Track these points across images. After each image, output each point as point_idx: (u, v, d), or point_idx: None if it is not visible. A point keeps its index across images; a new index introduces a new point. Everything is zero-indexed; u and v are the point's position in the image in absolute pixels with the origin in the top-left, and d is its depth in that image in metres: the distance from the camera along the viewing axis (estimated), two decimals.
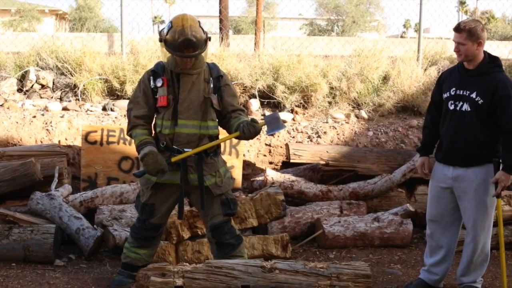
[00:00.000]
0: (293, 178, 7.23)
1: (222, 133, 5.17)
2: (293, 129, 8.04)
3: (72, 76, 8.72)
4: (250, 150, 7.84)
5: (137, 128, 5.03)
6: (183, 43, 4.78)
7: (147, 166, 4.89)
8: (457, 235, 5.38)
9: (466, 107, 5.03)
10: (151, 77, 5.02)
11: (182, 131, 4.98)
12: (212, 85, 5.05)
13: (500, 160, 5.00)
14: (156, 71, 5.02)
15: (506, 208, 6.72)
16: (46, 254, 5.89)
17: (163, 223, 5.25)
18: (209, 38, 4.99)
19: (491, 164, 5.01)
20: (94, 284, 5.47)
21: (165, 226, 5.49)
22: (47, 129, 7.79)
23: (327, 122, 8.20)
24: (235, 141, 7.25)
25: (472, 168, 5.05)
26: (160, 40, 4.96)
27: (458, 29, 4.99)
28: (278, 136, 7.91)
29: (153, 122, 5.12)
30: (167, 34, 4.88)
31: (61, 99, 8.69)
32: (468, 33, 4.94)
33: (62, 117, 7.99)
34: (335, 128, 8.06)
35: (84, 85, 8.55)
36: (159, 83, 4.97)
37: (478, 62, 5.04)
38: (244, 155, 7.58)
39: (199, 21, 4.93)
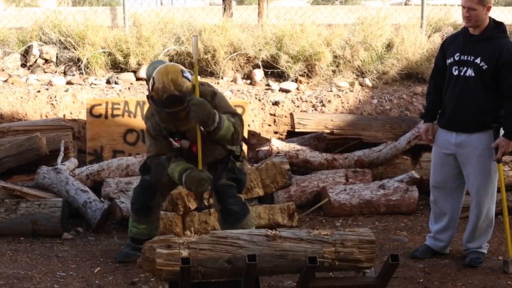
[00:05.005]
0: (298, 147, 7.24)
1: None
2: (297, 98, 8.03)
3: (75, 50, 8.70)
4: (255, 120, 7.84)
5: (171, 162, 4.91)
6: (168, 99, 4.60)
7: (191, 189, 4.87)
8: (460, 201, 5.39)
9: (470, 72, 5.01)
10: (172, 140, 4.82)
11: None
12: None
13: (499, 125, 5.00)
14: (169, 134, 4.83)
15: (511, 173, 6.72)
16: (54, 228, 5.94)
17: (158, 186, 5.13)
18: (193, 86, 4.67)
19: None
20: (102, 256, 5.52)
21: (163, 198, 5.38)
22: (51, 104, 7.80)
23: (331, 91, 8.18)
24: (240, 110, 7.26)
25: (475, 134, 5.04)
26: (148, 98, 4.77)
27: None
28: (283, 106, 7.90)
29: None
30: (152, 91, 4.67)
31: (65, 73, 8.67)
32: None
33: (66, 91, 7.99)
34: (340, 97, 8.05)
35: (87, 59, 8.53)
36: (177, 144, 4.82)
37: (483, 27, 5.01)
38: (249, 125, 7.58)
39: (181, 70, 4.69)
